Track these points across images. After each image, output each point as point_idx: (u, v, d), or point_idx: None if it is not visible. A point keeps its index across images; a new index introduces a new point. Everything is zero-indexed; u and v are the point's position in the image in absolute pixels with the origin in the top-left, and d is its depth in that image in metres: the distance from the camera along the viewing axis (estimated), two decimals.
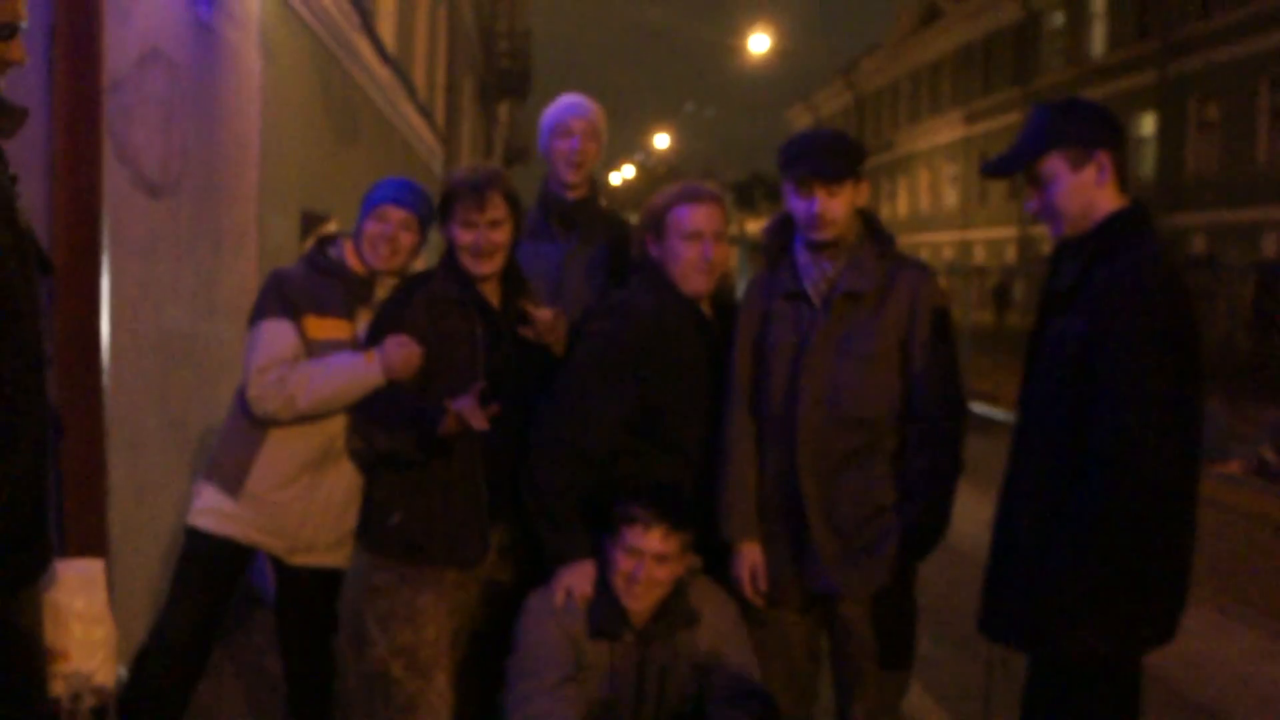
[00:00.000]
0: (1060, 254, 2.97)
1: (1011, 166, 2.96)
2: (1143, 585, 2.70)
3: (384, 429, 3.40)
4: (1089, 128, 2.88)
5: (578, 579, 3.26)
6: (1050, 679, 2.85)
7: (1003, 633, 2.93)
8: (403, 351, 3.35)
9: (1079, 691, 2.79)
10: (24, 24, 2.28)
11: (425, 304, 3.42)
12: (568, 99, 4.23)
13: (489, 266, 3.43)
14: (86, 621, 2.89)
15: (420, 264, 3.78)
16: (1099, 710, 2.79)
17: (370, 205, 3.60)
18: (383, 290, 3.60)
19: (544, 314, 3.51)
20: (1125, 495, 2.61)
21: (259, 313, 3.52)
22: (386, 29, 11.09)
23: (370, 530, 3.48)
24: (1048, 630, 2.74)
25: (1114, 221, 2.83)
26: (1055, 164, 2.86)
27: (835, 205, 3.24)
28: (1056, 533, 2.73)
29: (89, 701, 2.96)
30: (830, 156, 3.25)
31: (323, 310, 3.53)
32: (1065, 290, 2.85)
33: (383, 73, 10.43)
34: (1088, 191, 2.85)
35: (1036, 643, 2.83)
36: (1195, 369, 2.69)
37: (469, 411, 3.21)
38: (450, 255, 3.47)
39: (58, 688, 2.89)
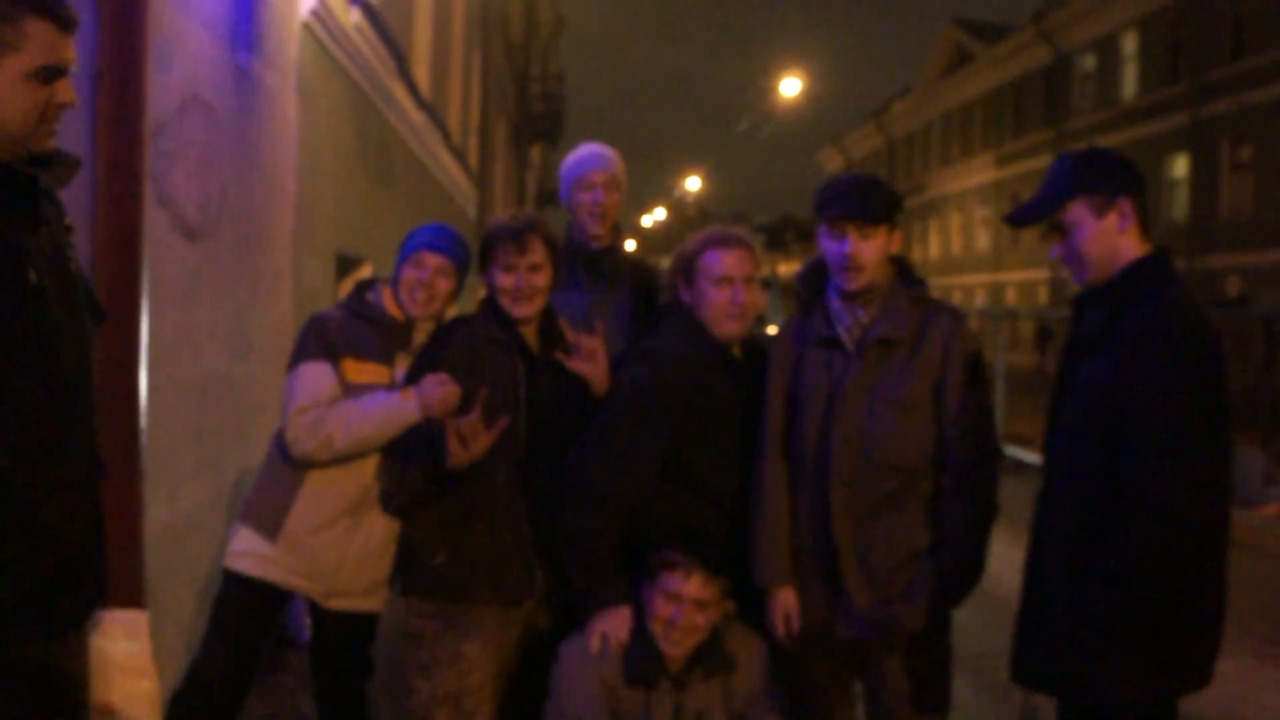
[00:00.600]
0: (1084, 301, 3.00)
1: (1036, 215, 2.99)
2: (1177, 630, 2.69)
3: (398, 461, 3.43)
4: (1110, 175, 2.91)
5: (613, 625, 3.27)
6: None
7: (1035, 680, 2.92)
8: (441, 390, 3.36)
9: None
10: (75, 68, 2.32)
11: (466, 344, 3.45)
12: (587, 150, 4.26)
13: (529, 309, 3.47)
14: (130, 674, 2.89)
15: (454, 312, 3.81)
16: None
17: (408, 251, 3.63)
18: (420, 336, 3.63)
19: (587, 340, 3.54)
20: (1158, 540, 2.61)
21: (299, 355, 3.55)
22: (421, 73, 11.20)
23: (411, 573, 3.48)
24: (1081, 677, 2.73)
25: (1138, 268, 2.86)
26: (1078, 211, 2.89)
27: (868, 248, 3.25)
28: (1088, 579, 2.72)
29: None
30: (865, 199, 3.26)
31: (361, 354, 3.55)
32: (1091, 336, 2.86)
33: (417, 117, 10.52)
34: (1111, 238, 2.88)
35: (1070, 690, 2.82)
36: (1224, 412, 2.71)
37: (469, 428, 3.23)
38: (491, 299, 3.51)
39: None
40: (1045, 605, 2.87)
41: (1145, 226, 2.92)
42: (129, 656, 2.89)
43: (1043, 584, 2.90)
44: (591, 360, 3.55)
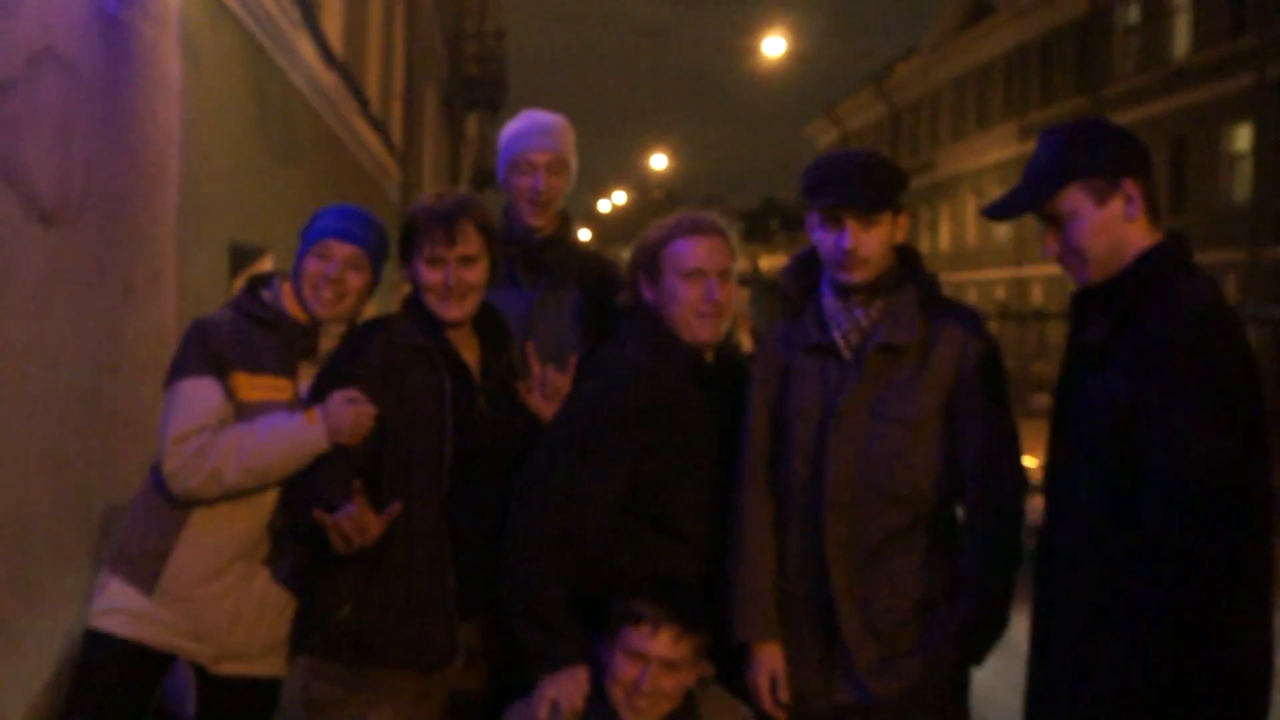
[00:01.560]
0: (1084, 301, 3.01)
1: (1021, 206, 2.97)
2: (1219, 687, 2.67)
3: (285, 504, 3.44)
4: (1111, 152, 2.92)
5: (566, 689, 3.24)
6: None
7: None
8: (351, 410, 3.34)
9: None
10: None
11: (382, 354, 3.42)
12: (528, 121, 4.24)
13: (459, 310, 3.44)
14: None
15: (372, 310, 3.79)
16: None
17: (311, 239, 3.61)
18: (328, 341, 3.61)
19: (555, 375, 3.55)
20: (1192, 584, 2.60)
21: (177, 370, 3.52)
22: (333, 27, 11.16)
23: (312, 628, 3.45)
24: None
25: (1149, 260, 2.86)
26: (1075, 199, 2.89)
27: (869, 240, 3.26)
28: (1109, 631, 2.73)
29: None
30: (864, 182, 3.26)
31: (256, 366, 3.52)
32: (1098, 345, 2.87)
33: (328, 79, 10.48)
34: (1116, 228, 2.89)
35: None
36: (1262, 430, 2.71)
37: (350, 525, 3.19)
38: (414, 298, 3.49)
39: None
40: (1058, 662, 2.88)
41: (1155, 211, 2.93)
42: None
43: (1055, 635, 2.91)
44: (555, 400, 3.55)
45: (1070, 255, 2.92)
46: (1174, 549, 2.62)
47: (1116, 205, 2.88)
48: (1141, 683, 2.66)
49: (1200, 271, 2.89)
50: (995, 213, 3.07)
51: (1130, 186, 2.88)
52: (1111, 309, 2.86)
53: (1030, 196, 2.95)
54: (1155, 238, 2.90)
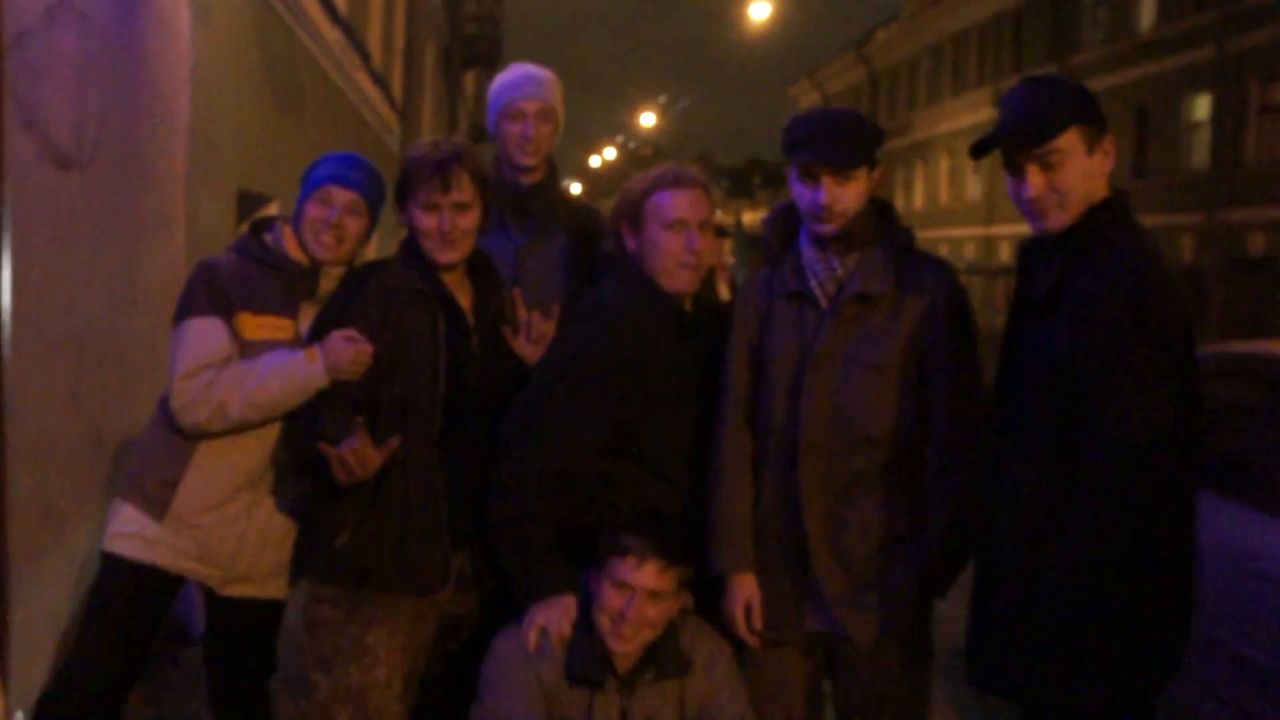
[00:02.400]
0: (1030, 253, 3.03)
1: (1034, 137, 2.90)
2: (1144, 621, 2.75)
3: (288, 437, 3.44)
4: (1100, 109, 2.94)
5: (555, 617, 3.25)
6: None
7: (994, 684, 2.97)
8: (350, 347, 3.32)
9: None
10: None
11: (379, 295, 3.41)
12: (518, 73, 4.20)
13: (454, 254, 3.43)
14: None
15: (371, 252, 3.77)
16: None
17: (311, 185, 3.59)
18: (328, 282, 3.59)
19: (540, 321, 3.54)
20: (1119, 528, 2.66)
21: (184, 310, 3.50)
22: None
23: (313, 554, 3.46)
24: (1043, 681, 2.78)
25: (1100, 213, 2.88)
26: (1073, 141, 2.89)
27: (845, 195, 3.25)
28: (1048, 568, 2.76)
29: None
30: (840, 140, 3.25)
31: (259, 306, 3.51)
32: (1042, 298, 2.89)
33: (332, 35, 10.42)
34: (1093, 176, 2.92)
35: (1033, 694, 2.87)
36: (1192, 377, 2.78)
37: (354, 458, 3.18)
38: (410, 242, 3.47)
39: None
40: (1000, 600, 2.91)
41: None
42: None
43: (997, 574, 2.94)
44: (541, 345, 3.55)
45: (1052, 195, 2.89)
46: (1108, 489, 2.67)
47: (1099, 156, 2.91)
48: (1078, 615, 2.71)
49: (1139, 226, 2.91)
50: (1007, 137, 2.94)
51: (1109, 142, 2.92)
52: (1058, 259, 2.87)
53: (1042, 131, 2.89)
54: (1105, 192, 2.93)
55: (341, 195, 3.56)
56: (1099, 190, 2.91)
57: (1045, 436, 2.83)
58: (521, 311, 3.67)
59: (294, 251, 3.60)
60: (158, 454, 3.58)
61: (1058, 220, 2.91)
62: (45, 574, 4.43)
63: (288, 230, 3.63)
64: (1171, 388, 2.70)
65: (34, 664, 4.19)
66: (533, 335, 3.60)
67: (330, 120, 11.16)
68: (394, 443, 3.27)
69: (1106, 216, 2.87)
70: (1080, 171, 2.89)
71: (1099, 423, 2.69)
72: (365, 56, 12.84)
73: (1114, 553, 2.66)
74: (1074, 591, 2.70)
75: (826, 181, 3.23)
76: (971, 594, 3.05)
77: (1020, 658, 2.81)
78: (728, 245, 7.93)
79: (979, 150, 3.04)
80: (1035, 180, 2.91)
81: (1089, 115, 2.91)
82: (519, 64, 4.26)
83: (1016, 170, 2.94)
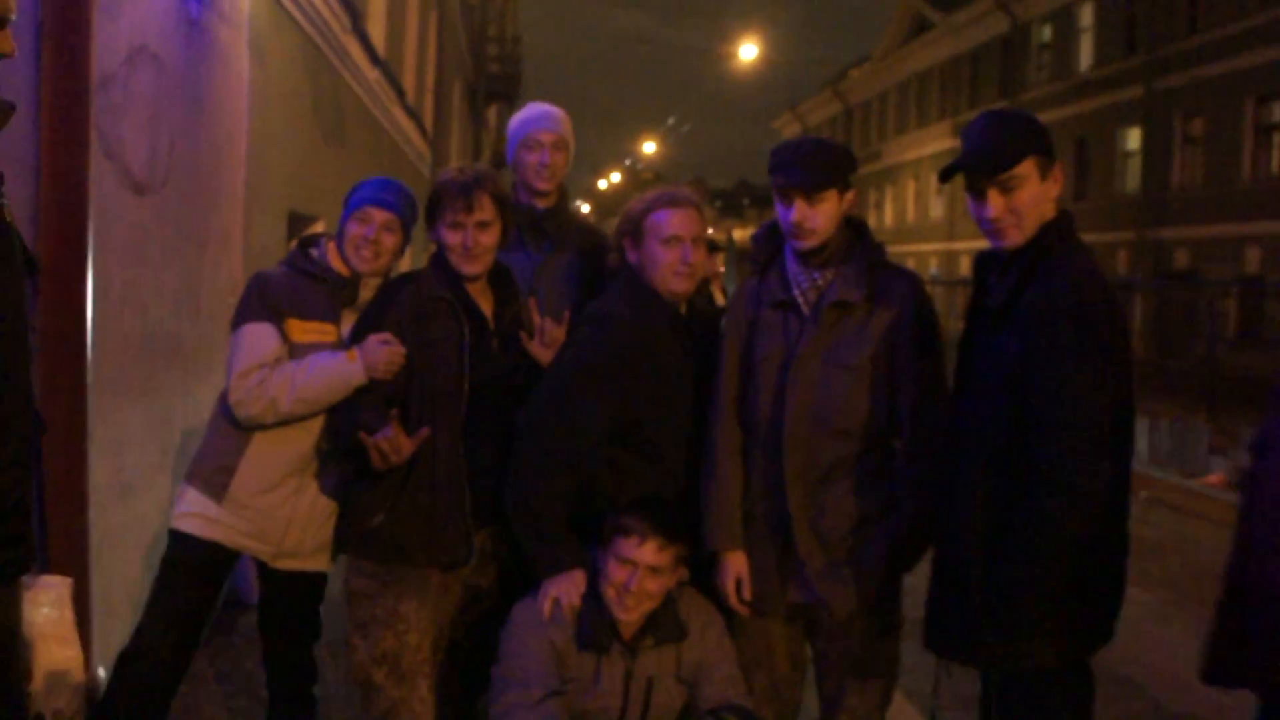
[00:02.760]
0: (985, 265, 3.02)
1: (996, 164, 2.87)
2: (1087, 598, 2.79)
3: (331, 428, 3.43)
4: (1050, 141, 2.93)
5: (566, 588, 3.25)
6: (1005, 692, 2.93)
7: (952, 650, 2.97)
8: (385, 349, 3.32)
9: (1035, 701, 2.87)
10: (13, 16, 2.25)
11: (411, 303, 3.41)
12: (535, 110, 4.20)
13: (476, 267, 3.43)
14: (53, 641, 2.82)
15: (405, 265, 3.77)
16: (1058, 715, 2.88)
17: (352, 206, 3.58)
18: (367, 292, 3.58)
19: (553, 327, 3.53)
20: (1068, 518, 2.66)
21: (241, 316, 3.50)
22: (377, 30, 11.06)
23: (351, 533, 3.45)
24: (998, 648, 2.80)
25: (1050, 232, 2.87)
26: (1030, 169, 2.87)
27: (815, 215, 3.22)
28: (1001, 552, 2.76)
29: None
30: (810, 167, 3.23)
31: (305, 313, 3.50)
32: (996, 307, 2.87)
33: (372, 74, 10.40)
34: (1044, 201, 2.89)
35: (987, 660, 2.90)
36: (1129, 386, 2.79)
37: (389, 445, 3.20)
38: (439, 256, 3.47)
39: None
40: (958, 577, 2.91)
41: None
42: (52, 624, 2.82)
43: (955, 555, 2.93)
44: (553, 348, 3.54)
45: (1010, 216, 2.86)
46: (1057, 483, 2.67)
47: (1050, 183, 2.89)
48: (1029, 588, 2.71)
49: (1082, 243, 2.90)
50: (972, 165, 2.90)
51: (1058, 170, 2.91)
52: (1013, 271, 2.86)
53: (1002, 159, 2.86)
54: (1053, 213, 2.92)
55: (379, 215, 3.55)
56: (1049, 211, 2.90)
57: (1000, 434, 2.82)
58: (536, 318, 3.67)
59: (337, 265, 3.59)
60: (217, 443, 3.57)
61: (1015, 238, 2.88)
62: (122, 549, 4.42)
63: (331, 246, 3.62)
64: (1110, 387, 2.70)
65: (113, 629, 4.18)
66: (546, 340, 3.60)
67: (369, 149, 11.15)
68: (425, 432, 3.26)
69: (1055, 234, 2.86)
70: (1035, 195, 2.87)
71: (1048, 422, 2.68)
72: (400, 93, 12.83)
73: (1065, 542, 2.67)
74: (1028, 574, 2.70)
75: (798, 202, 3.22)
76: (932, 568, 3.04)
77: (978, 631, 2.80)
78: (720, 258, 7.92)
79: (945, 175, 3.00)
80: (995, 202, 2.88)
81: (1043, 145, 2.89)
82: (535, 102, 4.26)
83: (979, 194, 2.92)
